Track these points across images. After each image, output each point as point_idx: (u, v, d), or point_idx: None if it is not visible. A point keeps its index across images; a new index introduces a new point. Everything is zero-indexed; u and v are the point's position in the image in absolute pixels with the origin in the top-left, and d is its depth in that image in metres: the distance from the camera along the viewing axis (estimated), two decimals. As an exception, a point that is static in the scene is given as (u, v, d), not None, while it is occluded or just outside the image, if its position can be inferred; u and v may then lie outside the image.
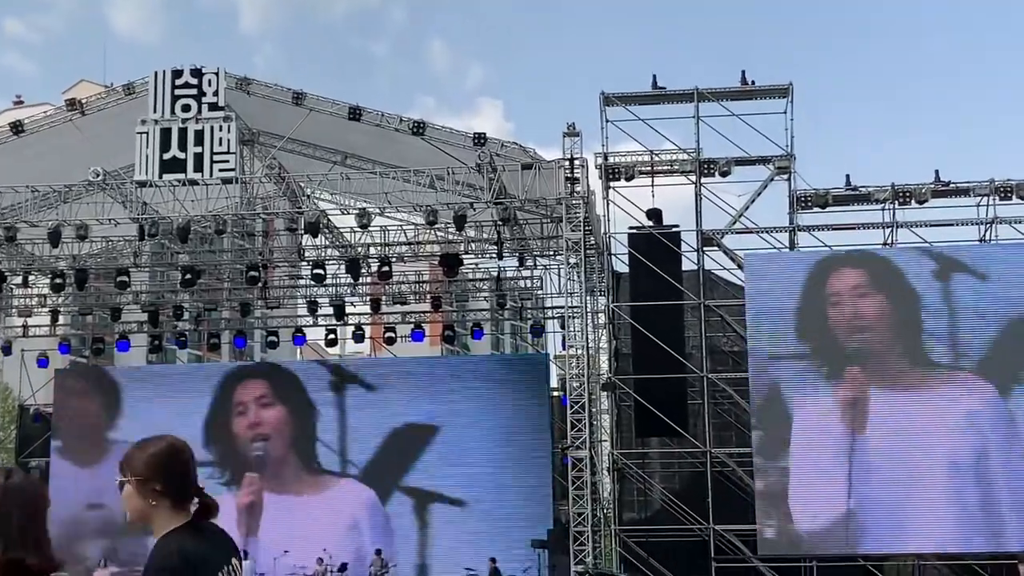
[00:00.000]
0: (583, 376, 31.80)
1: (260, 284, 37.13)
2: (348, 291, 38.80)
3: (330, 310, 39.08)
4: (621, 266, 34.77)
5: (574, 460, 31.29)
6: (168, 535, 3.92)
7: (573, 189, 32.01)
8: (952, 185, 33.23)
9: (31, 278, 37.66)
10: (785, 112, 33.78)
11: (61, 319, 40.46)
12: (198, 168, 31.81)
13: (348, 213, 34.41)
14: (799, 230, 33.77)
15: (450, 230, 34.16)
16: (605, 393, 35.37)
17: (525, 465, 34.78)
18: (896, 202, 33.13)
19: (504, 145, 32.91)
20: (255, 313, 41.00)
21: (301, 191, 35.76)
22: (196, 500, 4.00)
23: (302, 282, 39.29)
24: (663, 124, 34.42)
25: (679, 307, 33.27)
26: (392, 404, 35.60)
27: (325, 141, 34.86)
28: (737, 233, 34.22)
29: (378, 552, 31.33)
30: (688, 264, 33.83)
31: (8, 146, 33.55)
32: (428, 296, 39.55)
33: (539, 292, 39.98)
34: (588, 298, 34.14)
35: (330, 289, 38.29)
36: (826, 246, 33.54)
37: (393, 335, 39.70)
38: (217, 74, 32.17)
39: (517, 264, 36.76)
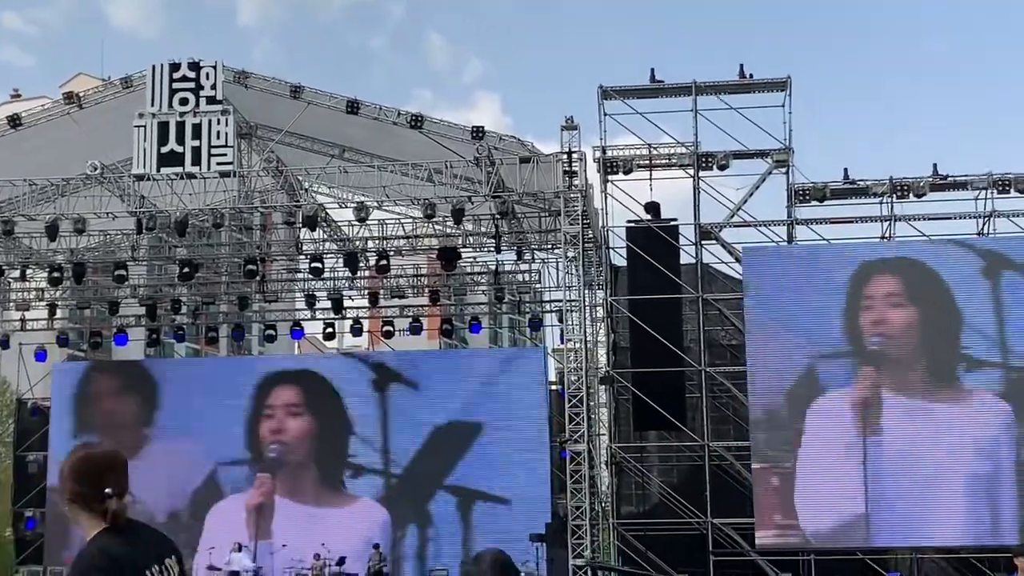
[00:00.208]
0: (581, 370, 31.80)
1: (258, 278, 37.10)
2: (346, 285, 38.76)
3: (328, 304, 39.04)
4: (619, 260, 34.80)
5: (572, 454, 31.29)
6: (93, 538, 4.09)
7: (571, 183, 31.97)
8: (950, 178, 33.27)
9: (29, 272, 37.61)
10: (783, 106, 33.82)
11: (59, 313, 40.41)
12: (196, 161, 31.75)
13: (346, 206, 34.38)
14: (797, 223, 33.80)
15: (448, 223, 34.14)
16: (603, 387, 35.37)
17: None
18: (894, 195, 33.16)
19: (502, 139, 32.88)
20: (253, 307, 40.94)
21: (299, 184, 35.75)
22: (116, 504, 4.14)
23: (300, 276, 39.25)
24: (661, 118, 34.48)
25: (677, 300, 33.28)
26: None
27: (323, 134, 34.82)
28: (735, 226, 34.23)
29: (376, 547, 31.31)
30: (686, 257, 33.89)
31: (5, 139, 33.49)
32: (426, 290, 39.53)
33: (537, 286, 39.97)
34: (586, 292, 34.13)
35: (328, 283, 38.26)
36: (824, 240, 33.58)
37: (391, 329, 39.68)
38: (215, 67, 32.11)
39: (515, 258, 36.74)
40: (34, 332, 40.25)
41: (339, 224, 36.99)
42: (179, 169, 31.89)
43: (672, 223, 33.99)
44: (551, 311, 39.22)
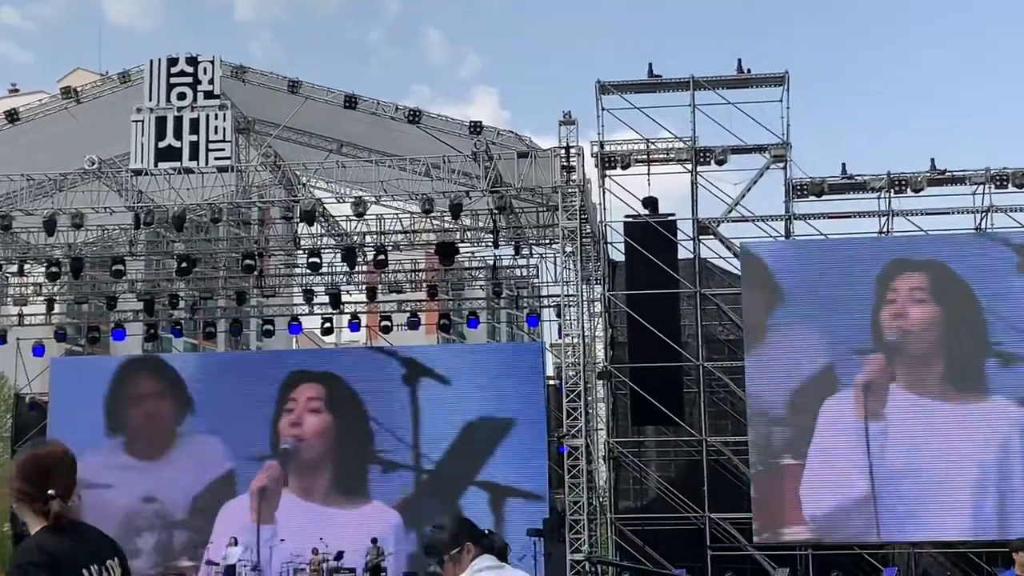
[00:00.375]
0: (579, 365, 31.80)
1: (256, 272, 37.10)
2: (344, 279, 38.75)
3: (326, 299, 39.04)
4: (617, 254, 34.81)
5: (570, 449, 31.31)
6: (35, 534, 4.19)
7: (569, 177, 31.97)
8: (948, 173, 33.27)
9: (27, 267, 37.60)
10: (781, 100, 33.82)
11: (57, 308, 40.42)
12: (193, 156, 31.74)
13: (344, 201, 34.37)
14: (795, 218, 33.82)
15: (446, 218, 34.12)
16: (601, 382, 35.38)
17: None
18: (892, 190, 33.17)
19: (500, 133, 32.86)
20: (251, 302, 40.94)
21: (297, 179, 35.73)
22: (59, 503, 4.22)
23: (298, 270, 39.24)
24: (659, 112, 34.43)
25: (675, 295, 33.31)
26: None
27: (321, 129, 34.80)
28: (733, 221, 34.26)
29: (374, 541, 31.32)
30: (684, 252, 33.90)
31: (3, 134, 33.46)
32: (424, 284, 39.52)
33: (535, 280, 39.96)
34: (584, 286, 34.13)
35: (326, 277, 38.25)
36: (822, 234, 33.60)
37: (389, 324, 39.68)
38: (212, 62, 32.09)
39: (513, 252, 36.73)
40: (32, 327, 40.24)
41: (337, 219, 37.00)
42: (177, 164, 31.88)
43: (670, 218, 34.01)
44: (549, 306, 39.22)
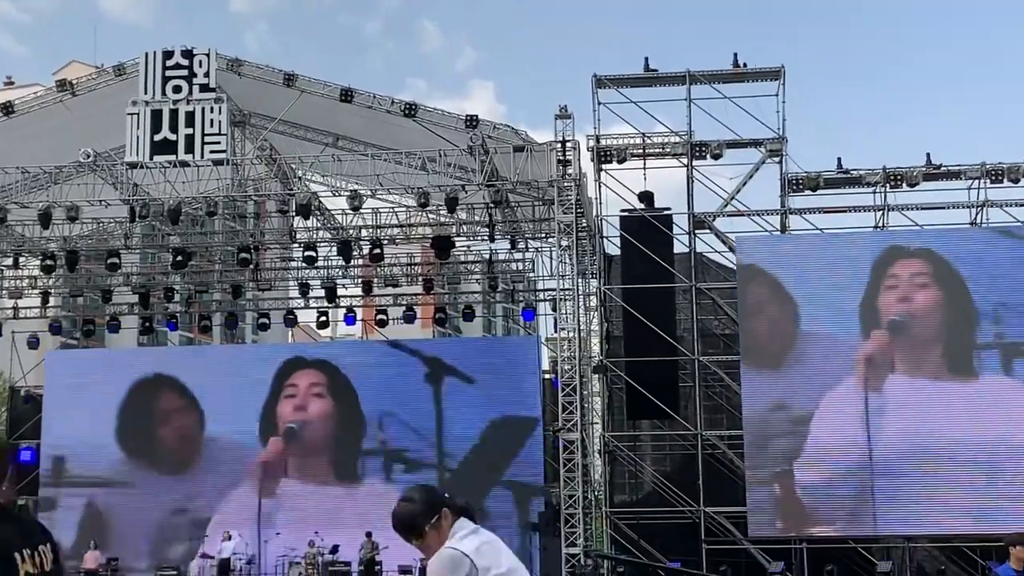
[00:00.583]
0: (574, 359, 31.82)
1: (251, 266, 37.07)
2: (340, 273, 38.76)
3: (321, 292, 39.04)
4: (613, 249, 34.80)
5: (565, 443, 31.33)
6: None
7: (565, 171, 31.98)
8: (943, 168, 33.31)
9: (22, 260, 37.56)
10: (777, 95, 33.81)
11: (52, 301, 40.39)
12: (189, 150, 31.73)
13: (340, 195, 34.36)
14: (790, 213, 33.84)
15: (442, 212, 34.14)
16: (596, 376, 35.40)
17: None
18: (887, 185, 33.19)
19: (496, 127, 32.86)
20: (246, 295, 40.94)
21: (292, 173, 35.70)
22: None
23: (293, 264, 39.24)
24: (655, 107, 34.52)
25: (671, 290, 33.32)
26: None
27: (316, 123, 34.79)
28: (729, 216, 34.25)
29: (368, 535, 31.32)
30: (680, 247, 33.91)
31: (-2, 127, 33.46)
32: (420, 278, 39.53)
33: (531, 274, 39.99)
34: (580, 281, 34.14)
35: (322, 271, 38.25)
36: (817, 229, 33.61)
37: (385, 317, 39.68)
38: (208, 55, 32.07)
39: (509, 246, 36.75)
40: (27, 320, 40.21)
41: (333, 212, 36.99)
42: (172, 157, 31.88)
43: (666, 212, 34.02)
44: (545, 300, 39.24)
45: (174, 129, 31.76)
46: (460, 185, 32.22)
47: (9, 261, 37.40)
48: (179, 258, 35.49)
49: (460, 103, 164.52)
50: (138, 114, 31.83)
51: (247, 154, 35.29)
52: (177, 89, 31.86)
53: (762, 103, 33.60)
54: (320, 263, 37.01)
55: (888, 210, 33.39)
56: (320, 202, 36.14)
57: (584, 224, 33.65)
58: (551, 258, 35.95)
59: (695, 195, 33.90)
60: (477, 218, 34.80)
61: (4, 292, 39.74)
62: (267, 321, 41.16)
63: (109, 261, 35.60)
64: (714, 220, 34.16)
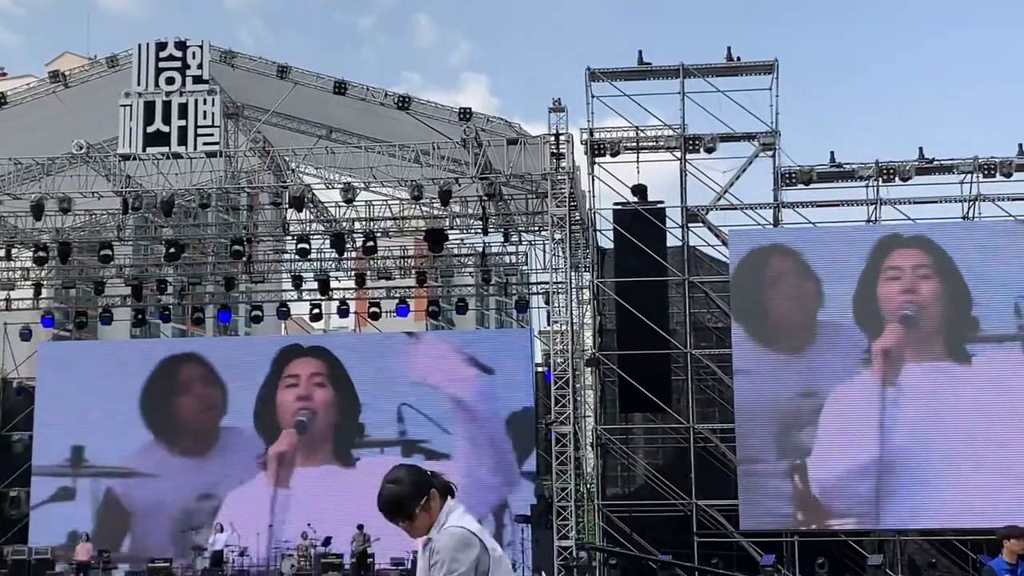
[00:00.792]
0: (567, 352, 31.84)
1: (244, 258, 37.04)
2: (333, 266, 38.73)
3: (315, 285, 39.01)
4: (606, 242, 34.84)
5: (558, 435, 31.36)
6: None
7: (558, 165, 31.98)
8: (936, 162, 33.34)
9: (14, 251, 37.51)
10: (770, 89, 33.83)
11: (44, 292, 40.33)
12: (182, 141, 31.70)
13: (333, 188, 34.34)
14: (783, 207, 33.86)
15: (435, 205, 34.13)
16: (589, 369, 35.43)
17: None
18: (880, 179, 33.23)
19: (489, 120, 32.85)
20: (239, 287, 40.89)
21: (286, 165, 35.67)
22: None
23: (287, 256, 39.21)
24: (649, 100, 34.50)
25: (663, 283, 33.36)
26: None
27: (310, 115, 34.75)
28: (722, 209, 34.30)
29: (360, 527, 31.34)
30: (673, 240, 33.94)
31: (-9, 118, 33.39)
32: (413, 271, 39.51)
33: (524, 268, 40.00)
34: (573, 274, 34.17)
35: (315, 264, 38.22)
36: (810, 223, 33.66)
37: (378, 310, 39.67)
38: (201, 47, 32.03)
39: (502, 239, 36.75)
40: (19, 311, 40.15)
41: (326, 205, 36.95)
42: (165, 149, 31.84)
43: (659, 206, 34.04)
44: (538, 293, 39.25)
45: (167, 121, 31.71)
46: (453, 178, 32.21)
47: (1, 253, 37.33)
48: (172, 250, 35.45)
49: (454, 96, 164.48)
50: (131, 106, 31.78)
51: (240, 146, 35.24)
52: (170, 81, 31.81)
53: (755, 97, 33.65)
54: (313, 255, 36.98)
55: (881, 204, 33.44)
56: (313, 194, 36.10)
57: (577, 217, 33.66)
58: (544, 251, 36.00)
59: (688, 188, 33.95)
60: (470, 211, 34.80)
61: (-4, 283, 39.67)
62: (260, 313, 41.12)
63: (102, 253, 35.55)
64: (707, 213, 34.19)
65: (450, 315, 54.09)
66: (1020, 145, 33.14)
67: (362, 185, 33.49)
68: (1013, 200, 33.42)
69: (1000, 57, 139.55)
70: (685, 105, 33.77)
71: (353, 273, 39.50)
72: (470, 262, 39.89)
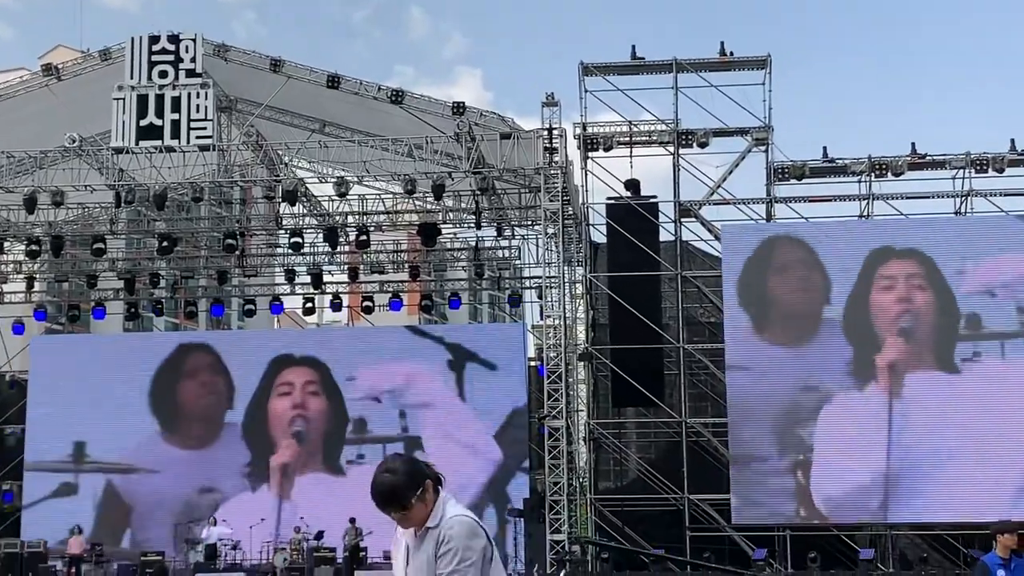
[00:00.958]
0: (560, 346, 31.87)
1: (237, 252, 37.01)
2: (326, 260, 38.71)
3: (308, 279, 38.98)
4: (599, 236, 34.87)
5: (550, 430, 31.40)
6: None
7: (551, 159, 32.01)
8: (928, 158, 33.42)
9: (6, 244, 37.41)
10: (763, 84, 33.87)
11: (37, 286, 40.25)
12: (175, 135, 31.65)
13: (326, 181, 34.32)
14: (776, 201, 33.91)
15: (428, 199, 34.12)
16: (582, 363, 35.47)
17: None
18: (873, 174, 33.29)
19: (483, 114, 32.86)
20: (232, 281, 40.85)
21: (279, 159, 35.64)
22: None
23: (280, 250, 39.19)
24: (642, 95, 34.54)
25: (656, 278, 33.40)
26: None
27: (303, 109, 34.73)
28: (715, 204, 34.33)
29: (352, 521, 31.34)
30: (666, 235, 33.96)
31: (-17, 111, 33.34)
32: (406, 265, 39.51)
33: (517, 262, 40.00)
34: (566, 268, 34.19)
35: (308, 258, 38.19)
36: (803, 218, 33.70)
37: (371, 304, 39.66)
38: (194, 40, 31.97)
39: (495, 234, 36.75)
40: (12, 305, 40.10)
41: (319, 199, 36.94)
42: (158, 142, 31.80)
43: (652, 200, 34.06)
44: (531, 287, 39.27)
45: (160, 114, 31.67)
46: (447, 172, 32.22)
47: (-6, 246, 37.25)
48: (165, 244, 35.41)
49: (447, 90, 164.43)
50: (124, 99, 31.72)
51: (233, 140, 35.22)
52: (163, 74, 31.77)
53: (749, 92, 33.70)
54: (306, 249, 36.96)
55: (873, 199, 33.51)
56: (306, 188, 36.08)
57: (570, 212, 33.68)
58: (537, 245, 36.02)
59: (681, 183, 34.02)
60: (463, 205, 34.80)
61: (-11, 277, 39.60)
62: (253, 307, 41.08)
63: (94, 246, 35.50)
64: (700, 208, 34.23)
65: (443, 309, 54.06)
66: (1012, 141, 33.23)
67: (355, 179, 33.48)
68: (1005, 196, 33.52)
69: (994, 53, 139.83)
70: (678, 100, 33.85)
71: (346, 267, 39.48)
72: (463, 256, 39.90)
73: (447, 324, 56.73)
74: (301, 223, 36.31)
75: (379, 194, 35.34)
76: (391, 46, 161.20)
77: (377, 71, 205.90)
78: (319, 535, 31.82)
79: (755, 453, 30.97)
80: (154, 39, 31.96)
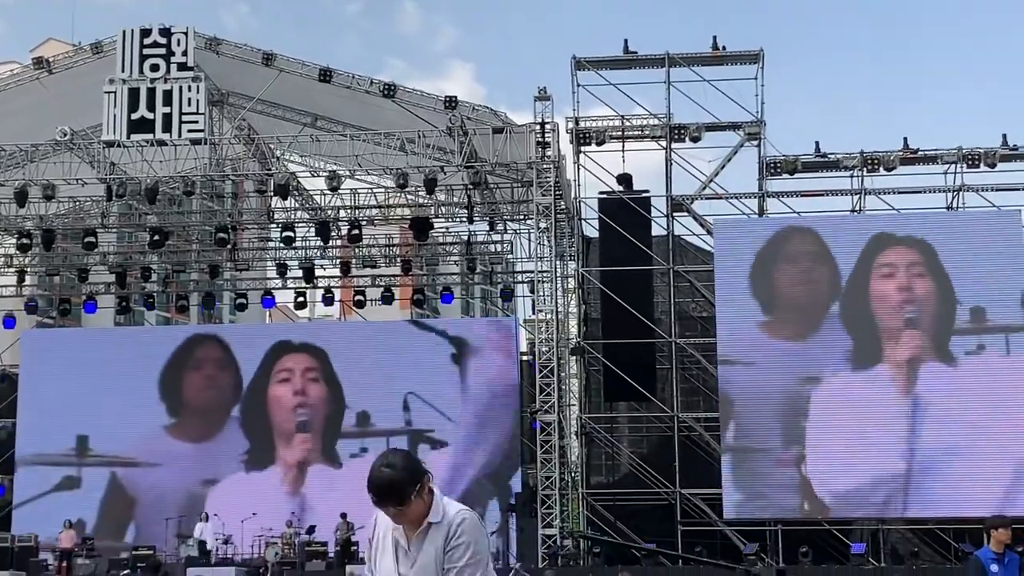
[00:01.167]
0: (552, 340, 31.88)
1: (229, 246, 36.96)
2: (318, 254, 38.65)
3: (299, 273, 38.94)
4: (591, 231, 34.87)
5: (542, 424, 31.40)
6: None
7: (544, 153, 31.99)
8: (920, 152, 33.46)
9: (-3, 238, 37.37)
10: (756, 78, 33.86)
11: (28, 279, 40.14)
12: (166, 128, 31.60)
13: (318, 175, 34.28)
14: (768, 196, 33.93)
15: (420, 193, 34.09)
16: (574, 357, 35.47)
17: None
18: (865, 169, 33.32)
19: (475, 108, 32.83)
20: (224, 275, 40.80)
21: (271, 153, 35.60)
22: None
23: (271, 244, 39.13)
24: (634, 89, 34.42)
25: (648, 272, 33.40)
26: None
27: (295, 103, 34.67)
28: (707, 199, 34.35)
29: (343, 516, 31.33)
30: (658, 229, 33.98)
31: (-26, 104, 33.24)
32: (398, 259, 39.46)
33: (509, 256, 39.99)
34: (558, 263, 34.18)
35: (299, 252, 38.14)
36: (795, 212, 33.73)
37: (363, 298, 39.62)
38: (186, 34, 31.92)
39: (487, 228, 36.73)
40: (3, 299, 39.98)
41: (311, 193, 36.88)
42: (149, 136, 31.75)
43: (644, 195, 34.05)
44: (523, 282, 39.27)
45: (151, 108, 31.61)
46: (439, 166, 32.19)
47: (-16, 239, 37.20)
48: (156, 237, 35.35)
49: (439, 84, 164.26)
50: (115, 92, 31.66)
51: (225, 133, 35.15)
52: (154, 68, 31.70)
53: (741, 86, 33.72)
54: (298, 243, 36.91)
55: (865, 194, 33.55)
56: (298, 182, 36.04)
57: (562, 206, 33.67)
58: (529, 240, 35.98)
59: (673, 178, 33.98)
60: (456, 199, 34.78)
61: (-21, 270, 39.48)
62: (245, 301, 41.03)
63: (86, 240, 35.44)
64: (692, 203, 34.23)
65: (435, 303, 54.02)
66: (1004, 136, 33.30)
67: (347, 173, 33.45)
68: (997, 191, 33.56)
69: (986, 48, 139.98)
70: (671, 94, 33.82)
71: (338, 261, 39.42)
72: (455, 250, 39.86)
73: (444, 318, 56.65)
74: (293, 217, 36.26)
75: (371, 188, 35.30)
76: (382, 39, 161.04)
77: (368, 64, 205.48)
78: (311, 529, 31.82)
79: (748, 447, 30.99)
80: (145, 32, 31.89)
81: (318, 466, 35.05)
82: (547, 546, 30.26)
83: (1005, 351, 30.74)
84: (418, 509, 4.87)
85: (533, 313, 34.86)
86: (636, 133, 34.38)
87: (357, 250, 38.29)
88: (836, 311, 31.42)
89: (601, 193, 34.19)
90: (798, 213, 33.62)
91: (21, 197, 32.66)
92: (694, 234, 34.76)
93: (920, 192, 34.01)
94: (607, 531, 32.21)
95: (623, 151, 34.30)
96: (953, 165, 33.21)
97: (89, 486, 35.50)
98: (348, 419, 35.12)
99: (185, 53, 31.74)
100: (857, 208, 33.71)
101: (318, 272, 39.20)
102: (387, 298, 39.52)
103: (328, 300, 40.30)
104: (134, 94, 31.64)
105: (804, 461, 30.80)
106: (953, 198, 33.52)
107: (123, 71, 31.69)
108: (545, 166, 31.96)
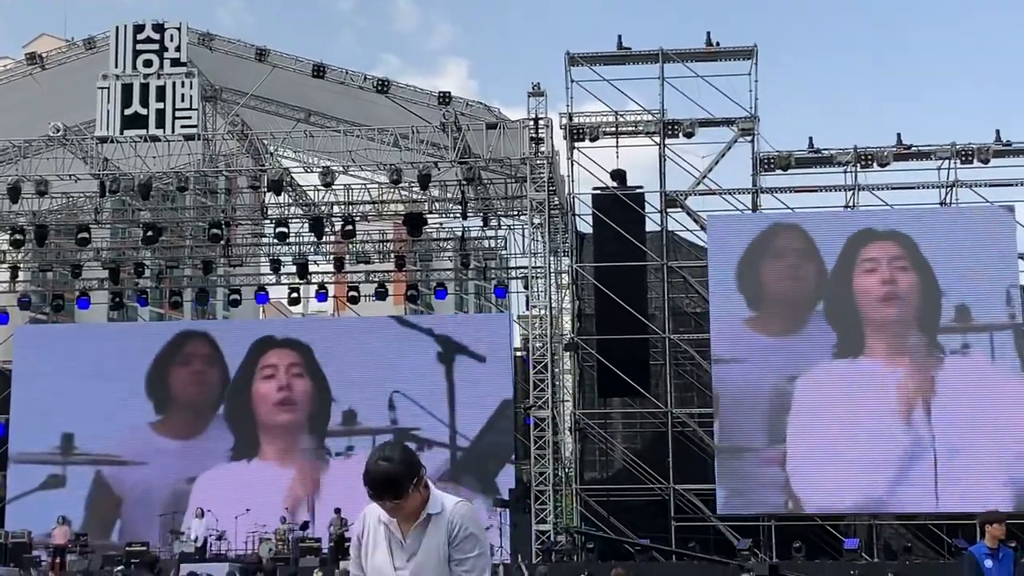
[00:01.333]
0: (546, 336, 31.89)
1: (223, 242, 36.92)
2: (311, 250, 38.63)
3: (293, 269, 38.90)
4: (585, 227, 34.86)
5: (536, 420, 31.41)
6: None
7: (537, 149, 32.00)
8: (914, 148, 33.47)
9: (-10, 234, 37.29)
10: (749, 74, 33.87)
11: (21, 275, 40.08)
12: (160, 124, 31.56)
13: (312, 171, 34.25)
14: (762, 192, 33.95)
15: (414, 189, 34.08)
16: (568, 353, 35.48)
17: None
18: (858, 165, 33.33)
19: (469, 104, 32.81)
20: (217, 271, 40.76)
21: (264, 148, 35.56)
22: None
23: (265, 240, 39.09)
24: (628, 85, 34.43)
25: (642, 268, 33.41)
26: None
27: (288, 98, 34.64)
28: (700, 194, 34.36)
29: (337, 511, 31.34)
30: (651, 225, 33.97)
31: (-34, 100, 33.17)
32: (392, 255, 39.45)
33: (503, 252, 39.98)
34: (552, 258, 34.19)
35: (293, 247, 38.10)
36: (788, 208, 33.75)
37: (356, 294, 39.60)
38: (179, 29, 31.86)
39: (481, 224, 36.73)
40: (-5, 294, 39.92)
41: (305, 189, 36.85)
42: (143, 132, 31.70)
43: (638, 191, 34.07)
44: (517, 277, 39.26)
45: (144, 103, 31.57)
46: (433, 162, 32.18)
47: (-22, 236, 37.12)
48: (149, 233, 35.30)
49: (432, 80, 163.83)
50: (108, 88, 31.61)
51: (218, 129, 35.12)
52: (148, 63, 31.65)
53: (735, 82, 33.71)
54: (292, 239, 36.87)
55: (859, 190, 33.56)
56: (292, 178, 35.99)
57: (556, 202, 33.68)
58: (523, 236, 36.00)
59: (667, 173, 34.03)
60: (449, 195, 34.77)
61: (-28, 267, 39.43)
62: (238, 297, 40.99)
63: (79, 236, 35.39)
64: (686, 199, 34.25)
65: (429, 299, 54.03)
66: (997, 131, 33.30)
67: (341, 169, 33.42)
68: (990, 186, 33.59)
69: (980, 45, 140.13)
70: (664, 90, 33.85)
71: (332, 257, 39.40)
72: (449, 246, 39.86)
73: (434, 315, 56.65)
74: (286, 213, 36.23)
75: (365, 184, 35.28)
76: (376, 36, 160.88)
77: (363, 60, 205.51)
78: (305, 525, 31.81)
79: (742, 443, 31.01)
80: (139, 28, 31.84)
81: (305, 462, 35.04)
82: (541, 542, 30.28)
83: (989, 348, 30.76)
84: (415, 502, 4.85)
85: (527, 309, 34.91)
86: (630, 129, 34.38)
87: (351, 246, 38.27)
88: (821, 308, 31.44)
89: (595, 189, 34.20)
90: (792, 209, 33.64)
91: (14, 193, 32.61)
92: (688, 230, 34.82)
93: (913, 188, 34.03)
94: (601, 527, 32.23)
95: (617, 147, 34.32)
96: (946, 161, 33.23)
97: (74, 484, 35.47)
98: (335, 416, 35.12)
99: (178, 49, 31.69)
100: (851, 204, 33.74)
101: (312, 268, 39.18)
102: (381, 294, 39.49)
103: (322, 296, 40.29)
104: (127, 90, 31.60)
105: (786, 458, 30.82)
106: (946, 194, 33.56)
107: (116, 67, 31.64)
108: (539, 162, 31.96)
